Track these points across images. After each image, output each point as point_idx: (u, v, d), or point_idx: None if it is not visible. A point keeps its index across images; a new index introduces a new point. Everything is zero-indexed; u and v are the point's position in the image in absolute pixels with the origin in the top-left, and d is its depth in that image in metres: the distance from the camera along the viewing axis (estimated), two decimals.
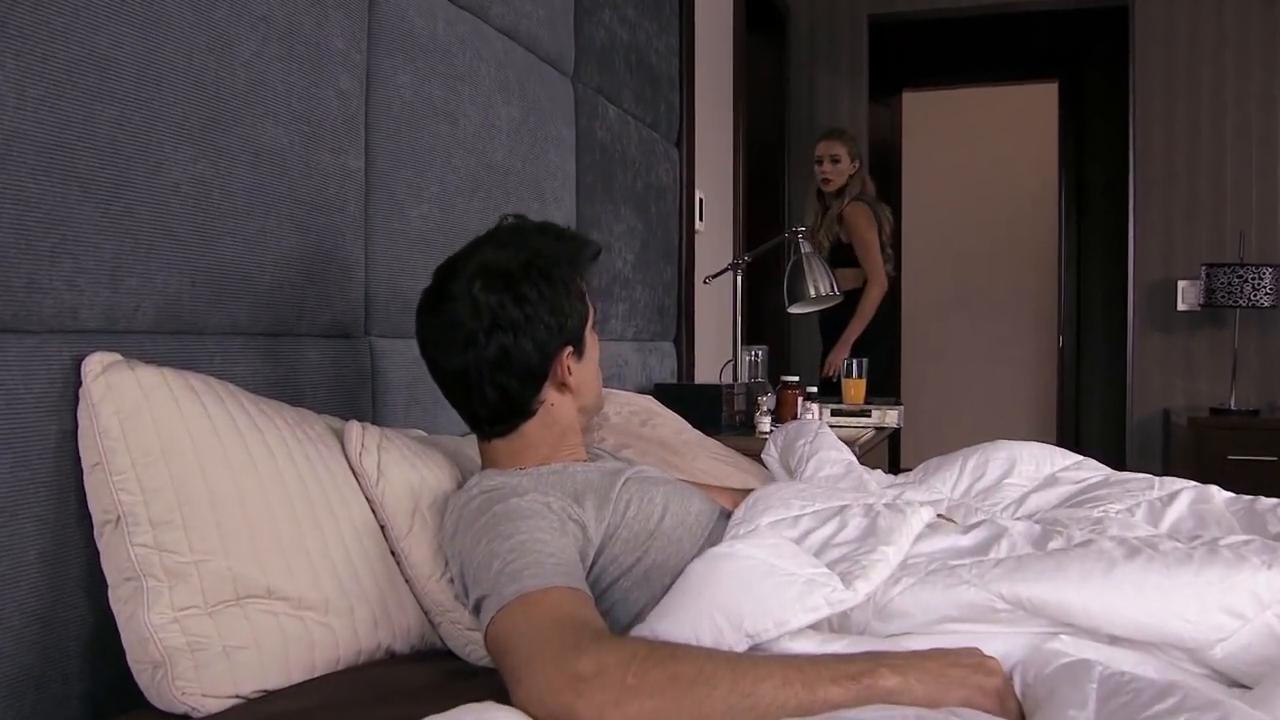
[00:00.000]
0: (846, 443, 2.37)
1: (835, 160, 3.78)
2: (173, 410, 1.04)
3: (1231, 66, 4.11)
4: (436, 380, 1.26)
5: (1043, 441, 1.81)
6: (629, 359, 2.70)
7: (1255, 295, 3.81)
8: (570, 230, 1.31)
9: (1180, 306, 4.21)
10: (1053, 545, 1.15)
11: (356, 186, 1.55)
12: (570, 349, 1.26)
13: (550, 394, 1.26)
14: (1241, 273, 3.83)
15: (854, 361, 3.03)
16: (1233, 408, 3.93)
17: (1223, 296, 3.86)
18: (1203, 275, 3.95)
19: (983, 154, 6.31)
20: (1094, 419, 5.44)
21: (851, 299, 3.74)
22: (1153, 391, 4.26)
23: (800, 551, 1.12)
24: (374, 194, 1.60)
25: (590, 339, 1.32)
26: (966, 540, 1.19)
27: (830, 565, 1.10)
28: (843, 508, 1.24)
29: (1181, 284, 4.19)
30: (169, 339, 1.20)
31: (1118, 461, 4.41)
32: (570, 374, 1.27)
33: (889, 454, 3.44)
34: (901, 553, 1.13)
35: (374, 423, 1.58)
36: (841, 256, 3.79)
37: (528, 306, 1.20)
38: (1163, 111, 4.20)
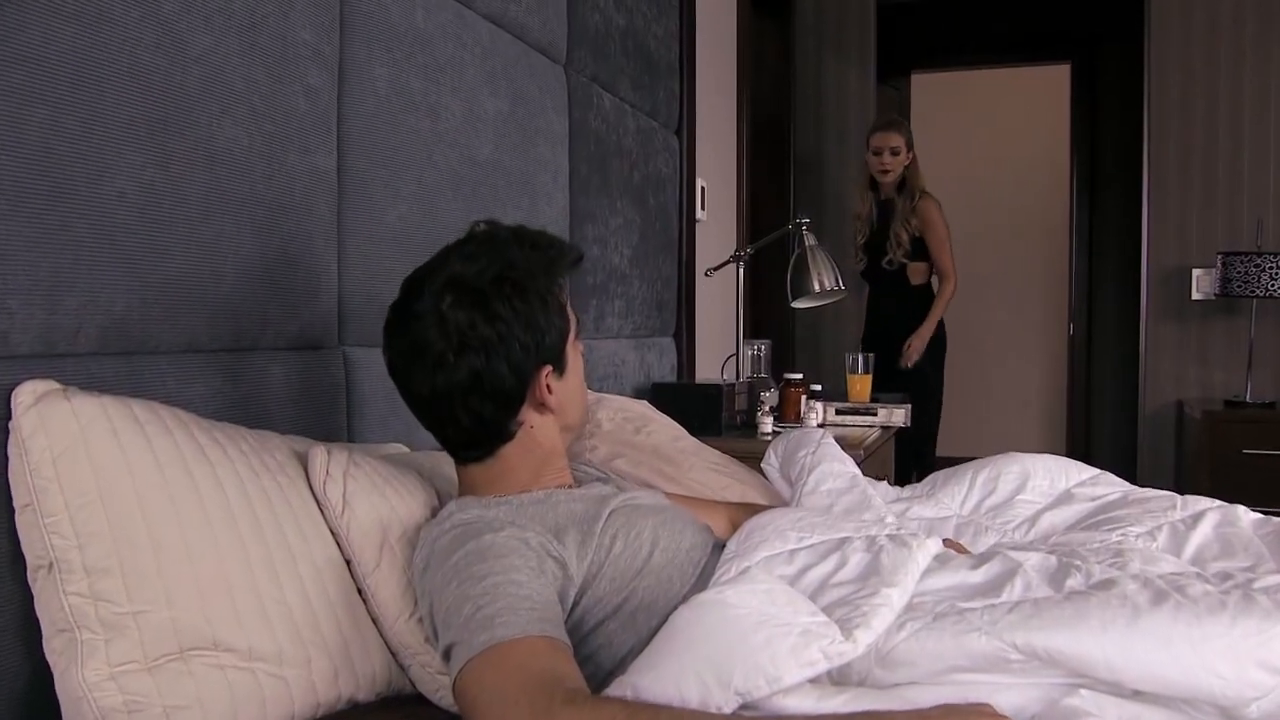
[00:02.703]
0: (853, 443, 2.29)
1: (895, 152, 3.75)
2: (112, 445, 0.95)
3: (1250, 48, 3.98)
4: (407, 403, 1.17)
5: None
6: (626, 358, 2.61)
7: (1273, 285, 3.69)
8: (548, 235, 1.21)
9: (1195, 295, 4.09)
10: (1070, 584, 1.06)
11: (327, 187, 1.46)
12: (549, 368, 1.17)
13: (529, 416, 1.18)
14: (1259, 261, 3.71)
15: (860, 356, 2.92)
16: (1248, 400, 3.83)
17: (1239, 286, 3.74)
18: (1218, 264, 3.83)
19: (993, 138, 6.17)
20: (1105, 410, 5.32)
21: (907, 292, 3.80)
22: (1166, 383, 4.15)
23: (796, 596, 1.03)
24: (347, 195, 1.50)
25: (573, 353, 1.23)
26: (977, 576, 1.11)
27: (828, 609, 1.02)
28: (843, 541, 1.15)
29: (1196, 272, 4.07)
30: (116, 360, 1.11)
31: (1129, 455, 4.34)
32: (550, 394, 1.17)
33: (895, 445, 3.33)
34: (906, 594, 1.04)
35: (349, 439, 1.50)
36: (913, 250, 3.78)
37: (500, 324, 1.10)
38: (1178, 95, 4.06)
